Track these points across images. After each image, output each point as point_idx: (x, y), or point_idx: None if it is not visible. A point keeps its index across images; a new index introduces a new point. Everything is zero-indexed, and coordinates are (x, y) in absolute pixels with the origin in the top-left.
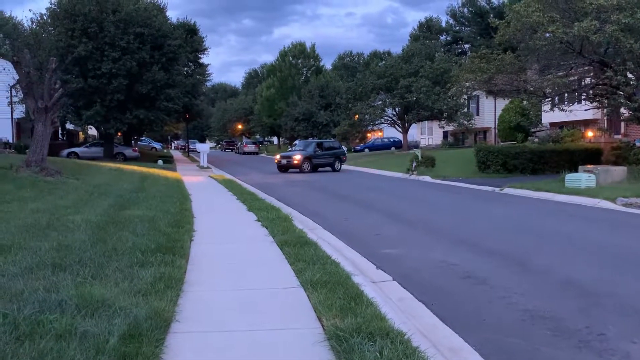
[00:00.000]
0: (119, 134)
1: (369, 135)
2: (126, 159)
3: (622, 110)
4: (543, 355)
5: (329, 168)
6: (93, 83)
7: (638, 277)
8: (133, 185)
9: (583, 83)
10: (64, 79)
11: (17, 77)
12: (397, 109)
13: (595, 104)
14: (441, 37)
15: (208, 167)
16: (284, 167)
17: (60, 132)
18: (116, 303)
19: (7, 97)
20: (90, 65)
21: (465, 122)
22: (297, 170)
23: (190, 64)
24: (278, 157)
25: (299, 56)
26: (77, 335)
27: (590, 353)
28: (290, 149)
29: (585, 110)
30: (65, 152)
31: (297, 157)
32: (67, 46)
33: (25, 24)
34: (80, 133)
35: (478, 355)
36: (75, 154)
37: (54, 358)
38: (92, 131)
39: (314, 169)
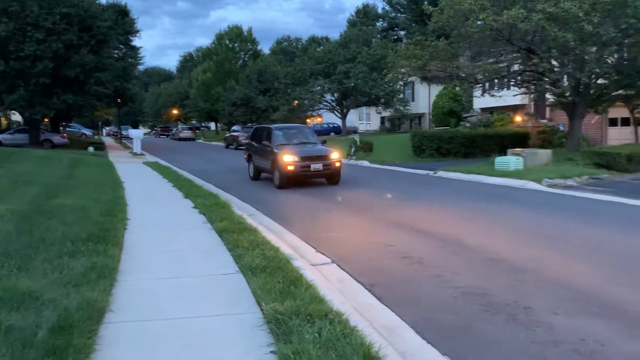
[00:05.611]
0: (46, 119)
1: (308, 120)
2: (54, 146)
3: (547, 95)
4: (474, 330)
5: None
6: (15, 65)
7: (561, 253)
8: (62, 173)
9: (512, 69)
10: None
11: None
12: (335, 95)
13: (523, 89)
14: (377, 24)
15: (142, 154)
16: (313, 175)
17: None
18: (44, 295)
19: None
20: (11, 47)
21: (402, 108)
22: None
23: (121, 46)
24: (295, 157)
25: (236, 40)
26: (1, 330)
27: (517, 326)
28: (228, 134)
29: (514, 95)
30: None
31: (337, 157)
32: None
33: None
34: (3, 119)
35: (413, 332)
36: None
37: None
38: (16, 117)
39: None
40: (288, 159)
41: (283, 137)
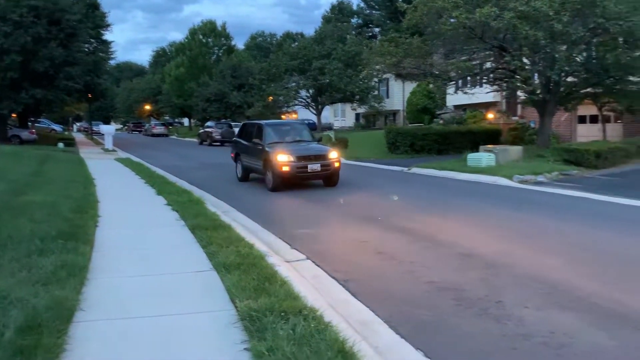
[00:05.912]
0: (14, 115)
1: (283, 116)
2: (22, 142)
3: (519, 93)
4: (447, 324)
5: None
6: None
7: (532, 248)
8: (31, 169)
9: (484, 67)
10: None
11: None
12: (310, 91)
13: (495, 87)
14: (352, 20)
15: (114, 150)
16: (311, 177)
17: None
18: (12, 294)
19: None
20: None
21: (376, 105)
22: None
23: (92, 40)
24: (290, 156)
25: (210, 35)
26: None
27: (489, 319)
28: (202, 130)
29: (487, 93)
30: None
31: (336, 157)
32: None
33: None
34: None
35: (387, 327)
36: None
37: None
38: None
39: None
40: (282, 159)
41: (275, 134)
